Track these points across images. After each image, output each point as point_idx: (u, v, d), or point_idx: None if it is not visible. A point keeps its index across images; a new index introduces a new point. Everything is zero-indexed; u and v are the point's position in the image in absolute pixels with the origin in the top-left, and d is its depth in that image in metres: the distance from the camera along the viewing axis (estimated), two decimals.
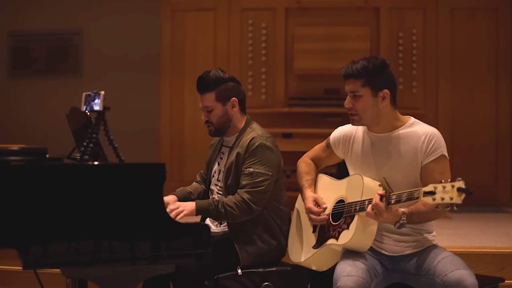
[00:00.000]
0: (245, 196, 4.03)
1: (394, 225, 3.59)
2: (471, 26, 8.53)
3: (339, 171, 4.12)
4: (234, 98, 4.24)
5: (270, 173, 4.09)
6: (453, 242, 5.75)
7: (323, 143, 4.19)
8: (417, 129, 3.80)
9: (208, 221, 4.34)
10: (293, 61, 8.46)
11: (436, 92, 8.52)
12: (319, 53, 8.39)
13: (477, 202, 7.50)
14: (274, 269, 4.17)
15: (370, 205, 3.56)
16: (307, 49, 8.42)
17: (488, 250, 5.27)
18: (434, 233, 3.90)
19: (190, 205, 4.07)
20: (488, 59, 8.51)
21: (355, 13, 8.60)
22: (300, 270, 4.15)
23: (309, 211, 3.96)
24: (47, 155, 3.35)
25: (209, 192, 4.38)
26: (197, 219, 4.31)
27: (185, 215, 4.02)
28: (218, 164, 4.35)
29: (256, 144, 4.11)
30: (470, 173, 8.17)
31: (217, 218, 4.17)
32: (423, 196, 3.34)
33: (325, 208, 3.92)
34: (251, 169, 4.08)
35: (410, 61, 8.52)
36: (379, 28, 8.54)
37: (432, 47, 8.55)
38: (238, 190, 4.09)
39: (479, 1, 8.54)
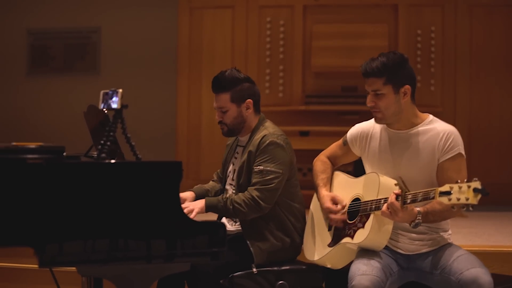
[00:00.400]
0: (254, 193, 4.03)
1: (410, 224, 3.58)
2: (489, 23, 8.48)
3: (356, 169, 4.11)
4: (249, 99, 4.23)
5: (281, 171, 4.09)
6: (469, 241, 5.73)
7: (340, 141, 4.18)
8: (436, 127, 3.79)
9: (224, 219, 4.34)
10: (311, 59, 8.45)
11: (454, 90, 8.49)
12: (336, 50, 8.38)
13: (494, 201, 7.41)
14: (289, 267, 4.17)
15: (385, 204, 3.56)
16: (325, 46, 8.41)
17: (504, 249, 5.24)
18: (450, 232, 3.89)
19: (200, 203, 4.09)
20: (506, 57, 8.47)
21: (373, 10, 8.58)
22: (315, 268, 4.15)
23: (328, 210, 3.94)
24: (65, 153, 3.36)
25: (224, 191, 4.39)
26: (214, 217, 4.32)
27: (196, 213, 4.03)
28: (233, 164, 4.36)
29: (267, 142, 4.11)
30: (487, 171, 8.15)
31: (226, 215, 4.18)
32: (439, 196, 3.33)
33: (344, 206, 3.91)
34: (261, 167, 4.08)
35: (428, 58, 8.49)
36: (397, 25, 8.52)
37: (451, 45, 8.51)
38: (249, 187, 4.09)
39: None
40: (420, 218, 3.55)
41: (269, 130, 4.19)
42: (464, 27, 8.49)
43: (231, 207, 4.04)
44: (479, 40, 8.48)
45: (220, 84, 4.22)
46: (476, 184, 3.22)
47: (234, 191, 4.26)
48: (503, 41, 8.46)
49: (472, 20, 8.49)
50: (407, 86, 3.77)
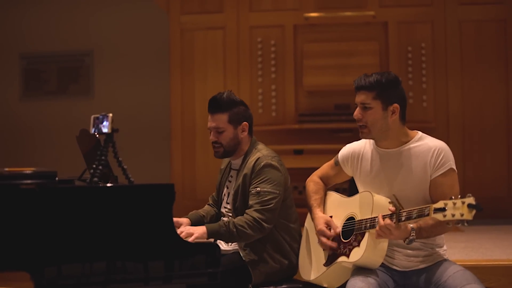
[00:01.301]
0: (255, 215, 4.04)
1: (404, 241, 3.59)
2: (479, 38, 8.51)
3: (351, 187, 4.12)
4: (245, 122, 4.26)
5: (278, 191, 4.10)
6: (466, 255, 5.73)
7: (332, 161, 4.19)
8: (425, 143, 3.81)
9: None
10: (303, 78, 8.48)
11: (447, 105, 8.51)
12: (328, 68, 8.40)
13: (490, 214, 7.49)
14: (285, 286, 4.17)
15: (379, 225, 3.57)
16: (317, 65, 8.43)
17: (501, 263, 5.22)
18: (445, 247, 3.90)
19: (201, 229, 4.03)
20: (498, 70, 8.49)
21: (363, 28, 8.61)
22: (311, 287, 4.15)
23: (321, 233, 3.94)
24: (57, 178, 3.37)
25: (220, 215, 4.40)
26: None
27: (196, 238, 3.99)
28: (227, 188, 4.37)
29: (262, 164, 4.12)
30: (482, 185, 8.16)
31: (229, 239, 4.13)
32: (434, 213, 3.35)
33: (338, 233, 3.91)
34: (258, 188, 4.08)
35: (420, 74, 8.52)
36: (388, 43, 8.55)
37: (441, 60, 8.54)
38: (247, 210, 4.09)
39: (487, 13, 8.51)
40: (414, 234, 3.56)
41: (262, 152, 4.21)
42: (454, 43, 8.52)
43: (234, 230, 4.02)
44: (469, 55, 8.51)
45: (219, 104, 4.23)
46: (470, 200, 3.24)
47: (228, 213, 4.27)
48: (494, 55, 8.49)
49: (462, 36, 8.52)
50: (396, 105, 3.79)
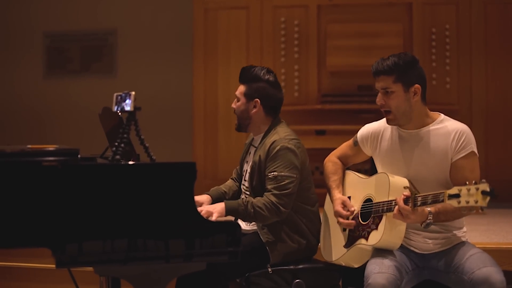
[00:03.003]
0: (273, 199, 4.04)
1: (421, 225, 3.59)
2: (504, 20, 8.45)
3: (373, 168, 4.11)
4: (257, 99, 4.26)
5: (295, 175, 4.09)
6: (487, 238, 5.71)
7: (350, 141, 4.18)
8: (447, 126, 3.79)
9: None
10: (326, 58, 8.46)
11: (470, 87, 8.46)
12: (352, 49, 8.38)
13: None
14: (305, 266, 4.19)
15: (396, 208, 3.57)
16: (340, 45, 8.41)
17: None
18: (464, 229, 3.89)
19: (220, 207, 4.06)
20: None
21: (387, 9, 8.57)
22: (332, 267, 4.16)
23: (337, 214, 3.96)
24: (79, 155, 3.39)
25: (241, 190, 4.42)
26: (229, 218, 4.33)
27: (217, 217, 4.02)
28: (247, 163, 4.38)
29: (277, 147, 4.11)
30: (505, 169, 8.13)
31: (246, 219, 4.15)
32: (448, 199, 3.34)
33: (353, 212, 3.92)
34: (276, 173, 4.08)
35: (444, 56, 8.47)
36: (411, 24, 8.51)
37: (466, 42, 8.49)
38: (265, 193, 4.09)
39: None
40: (431, 218, 3.57)
41: (280, 134, 4.20)
42: (479, 25, 8.46)
43: (252, 210, 4.04)
44: (494, 37, 8.45)
45: (242, 74, 4.33)
46: (485, 187, 3.22)
47: (246, 192, 4.29)
48: None
49: (487, 17, 8.46)
50: (417, 86, 3.77)
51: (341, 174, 4.17)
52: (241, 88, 4.31)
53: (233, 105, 4.35)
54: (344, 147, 4.24)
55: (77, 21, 9.65)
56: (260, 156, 4.17)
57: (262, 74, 4.27)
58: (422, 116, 3.83)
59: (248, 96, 4.27)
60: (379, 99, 3.83)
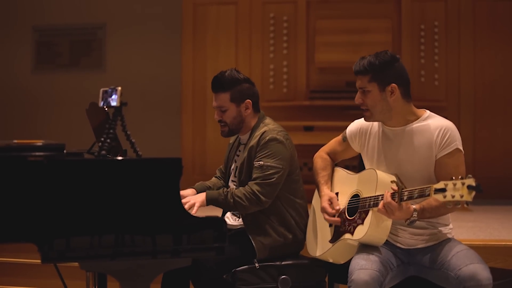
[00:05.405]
0: (255, 188, 4.07)
1: (405, 222, 3.61)
2: (493, 16, 8.47)
3: (361, 164, 4.13)
4: (248, 100, 4.27)
5: (281, 166, 4.12)
6: (473, 235, 5.74)
7: (339, 137, 4.20)
8: (432, 123, 3.80)
9: (228, 214, 4.38)
10: (315, 54, 8.48)
11: (458, 84, 8.48)
12: (340, 46, 8.40)
13: (499, 194, 7.49)
14: (291, 262, 4.20)
15: (381, 202, 3.58)
16: (329, 42, 8.42)
17: (508, 243, 5.22)
18: (450, 226, 3.90)
19: (200, 196, 4.13)
20: (511, 50, 8.45)
21: (376, 6, 8.58)
22: (318, 263, 4.17)
23: (323, 210, 3.98)
24: (65, 150, 3.38)
25: (227, 188, 4.42)
26: (218, 212, 4.34)
27: (198, 208, 4.07)
28: (235, 162, 4.39)
29: (267, 137, 4.14)
30: (492, 165, 8.16)
31: (227, 208, 4.22)
32: (434, 193, 3.35)
33: (338, 210, 3.94)
34: (262, 162, 4.11)
35: (432, 53, 8.49)
36: (400, 20, 8.52)
37: (454, 39, 8.51)
38: (249, 182, 4.13)
39: None
40: (415, 215, 3.58)
41: (269, 126, 4.23)
42: (467, 21, 8.48)
43: (231, 200, 4.08)
44: (482, 34, 8.47)
45: (220, 83, 4.26)
46: (470, 181, 3.23)
47: (236, 188, 4.29)
48: (507, 34, 8.44)
49: (475, 14, 8.48)
50: (394, 85, 3.77)
51: (330, 170, 4.18)
52: (224, 97, 4.25)
53: (219, 117, 4.30)
54: (333, 143, 4.25)
55: (66, 15, 9.63)
56: (251, 147, 4.19)
57: (237, 75, 4.27)
58: (405, 114, 3.83)
59: (237, 100, 4.25)
60: (357, 98, 3.87)
